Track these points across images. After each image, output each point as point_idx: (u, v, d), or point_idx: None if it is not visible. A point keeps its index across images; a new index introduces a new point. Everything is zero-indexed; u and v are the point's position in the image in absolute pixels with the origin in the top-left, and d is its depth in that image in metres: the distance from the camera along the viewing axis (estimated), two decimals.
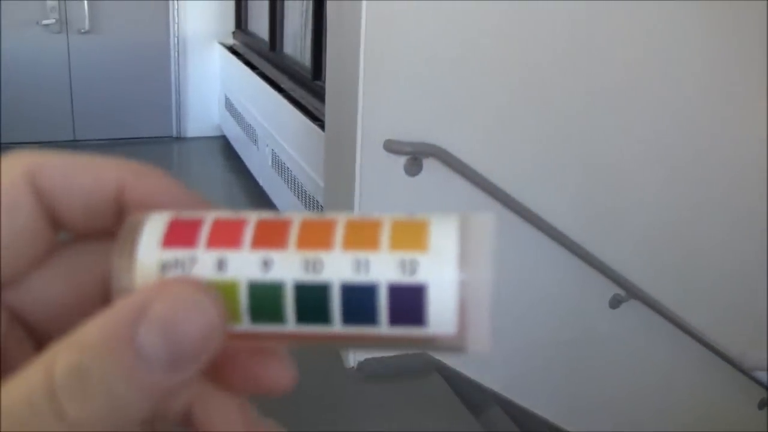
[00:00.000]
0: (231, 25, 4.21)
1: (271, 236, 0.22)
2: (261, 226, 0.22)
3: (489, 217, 0.23)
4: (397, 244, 0.21)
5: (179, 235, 0.22)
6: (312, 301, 0.21)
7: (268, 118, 3.27)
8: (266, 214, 0.23)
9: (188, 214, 0.23)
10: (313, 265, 0.21)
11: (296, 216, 0.23)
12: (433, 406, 2.07)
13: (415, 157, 1.88)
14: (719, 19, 2.23)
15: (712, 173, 2.32)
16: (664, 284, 2.26)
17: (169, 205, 0.24)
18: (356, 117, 1.84)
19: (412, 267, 0.21)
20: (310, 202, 2.79)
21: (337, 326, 0.22)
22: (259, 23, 3.74)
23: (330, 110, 2.13)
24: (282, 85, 3.13)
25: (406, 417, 1.98)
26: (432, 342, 0.22)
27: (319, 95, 2.62)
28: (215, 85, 4.28)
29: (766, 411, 2.67)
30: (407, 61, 1.84)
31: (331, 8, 2.05)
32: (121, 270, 0.22)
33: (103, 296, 0.25)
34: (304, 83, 2.91)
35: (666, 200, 2.27)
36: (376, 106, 1.85)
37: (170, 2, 4.11)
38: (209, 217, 0.23)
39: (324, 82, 2.68)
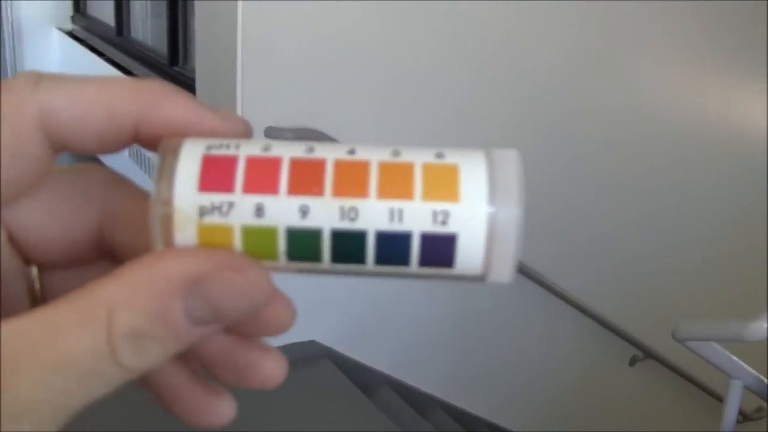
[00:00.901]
0: (68, 8, 3.96)
1: (306, 181, 0.22)
2: (295, 168, 0.23)
3: (513, 151, 0.24)
4: (429, 194, 0.22)
5: (215, 177, 0.23)
6: (347, 246, 0.23)
7: None
8: (296, 149, 0.23)
9: (220, 148, 0.23)
10: (349, 214, 0.22)
11: (328, 153, 0.23)
12: (326, 391, 2.05)
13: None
14: (719, 18, 2.32)
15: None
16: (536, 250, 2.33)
17: (193, 130, 0.24)
18: (235, 104, 1.77)
19: (444, 217, 0.22)
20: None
21: (369, 266, 0.23)
22: (101, 6, 3.54)
23: (202, 98, 2.04)
24: (134, 72, 2.98)
25: (300, 403, 1.96)
26: (456, 277, 0.23)
27: (179, 81, 2.50)
28: (54, 72, 4.02)
29: (637, 367, 2.82)
30: (287, 44, 1.78)
31: None
32: (160, 214, 0.23)
33: (97, 229, 0.27)
34: (160, 69, 2.78)
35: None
36: (255, 93, 1.78)
37: None
38: (242, 154, 0.23)
39: (181, 67, 2.58)
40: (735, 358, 1.69)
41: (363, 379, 2.16)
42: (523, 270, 2.27)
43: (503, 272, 0.23)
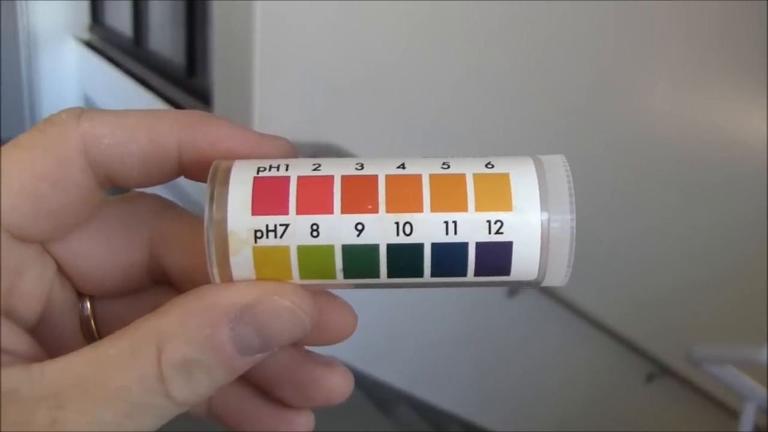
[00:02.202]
0: (85, 18, 3.97)
1: (360, 198, 0.23)
2: (348, 186, 0.23)
3: (560, 156, 0.24)
4: (482, 204, 0.23)
5: (268, 199, 0.23)
6: (404, 260, 0.23)
7: None
8: (346, 166, 0.23)
9: (270, 170, 0.23)
10: (404, 228, 0.22)
11: (379, 169, 0.23)
12: (342, 409, 2.03)
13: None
14: (717, 18, 2.32)
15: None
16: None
17: (238, 153, 0.25)
18: (252, 118, 1.77)
19: (498, 226, 0.23)
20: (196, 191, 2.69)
21: (426, 278, 0.23)
22: (119, 16, 3.54)
23: (220, 112, 2.03)
24: (151, 83, 2.98)
25: (316, 421, 1.95)
26: (512, 283, 0.24)
27: (196, 93, 2.50)
28: (71, 84, 4.03)
29: (653, 384, 2.80)
30: (304, 57, 1.77)
31: (218, 4, 1.95)
32: (215, 239, 0.23)
33: (149, 256, 0.27)
34: (178, 80, 2.78)
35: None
36: (272, 106, 1.78)
37: None
38: (293, 174, 0.23)
39: (200, 78, 2.58)
40: (750, 380, 1.68)
41: (379, 396, 2.15)
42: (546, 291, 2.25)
43: (558, 276, 0.24)
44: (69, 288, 0.27)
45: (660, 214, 2.58)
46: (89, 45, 3.82)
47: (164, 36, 3.05)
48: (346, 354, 1.87)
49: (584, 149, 2.27)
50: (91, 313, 0.28)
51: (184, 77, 2.71)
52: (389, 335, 2.17)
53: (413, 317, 2.20)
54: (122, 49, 3.42)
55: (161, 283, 0.28)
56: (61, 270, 0.26)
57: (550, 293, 2.28)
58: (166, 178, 0.25)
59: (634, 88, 2.36)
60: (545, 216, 0.23)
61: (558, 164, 0.24)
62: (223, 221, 0.23)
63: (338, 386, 0.27)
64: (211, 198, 0.23)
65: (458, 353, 2.36)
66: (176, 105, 2.68)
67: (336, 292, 0.27)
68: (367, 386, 2.12)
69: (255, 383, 0.28)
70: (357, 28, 1.81)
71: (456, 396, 2.42)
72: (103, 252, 0.27)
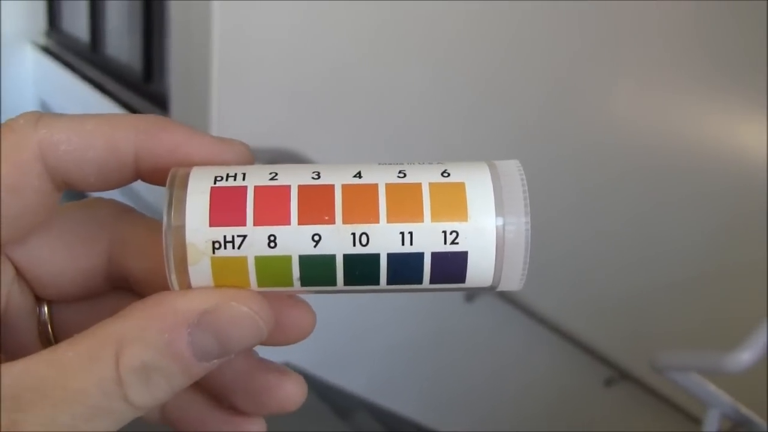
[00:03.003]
0: (42, 23, 3.92)
1: (317, 209, 0.23)
2: (304, 196, 0.23)
3: (515, 162, 0.24)
4: (438, 214, 0.23)
5: (225, 210, 0.23)
6: (361, 269, 0.23)
7: None
8: (302, 175, 0.23)
9: (228, 179, 0.23)
10: (360, 239, 0.23)
11: (335, 178, 0.23)
12: (301, 415, 2.02)
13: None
14: (717, 18, 2.34)
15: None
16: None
17: (196, 158, 0.25)
18: (209, 124, 1.75)
19: (453, 237, 0.23)
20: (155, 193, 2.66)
21: (383, 285, 0.23)
22: (76, 22, 3.51)
23: (177, 118, 2.01)
24: (108, 88, 2.95)
25: (275, 428, 1.93)
26: (467, 289, 0.24)
27: (153, 98, 2.48)
28: (28, 89, 3.98)
29: (613, 389, 2.82)
30: (263, 63, 1.76)
31: (176, 8, 1.93)
32: (173, 249, 0.23)
33: (108, 261, 0.27)
34: (135, 86, 2.75)
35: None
36: (230, 112, 1.76)
37: None
38: (250, 184, 0.23)
39: (157, 84, 2.55)
40: (713, 387, 1.69)
41: (338, 402, 2.14)
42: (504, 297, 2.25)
43: (513, 281, 0.24)
44: (27, 292, 0.27)
45: (621, 218, 2.60)
46: (46, 50, 3.78)
47: (121, 41, 3.02)
48: (305, 360, 1.86)
49: (546, 153, 2.28)
50: (49, 318, 0.28)
51: (141, 82, 2.69)
52: (348, 341, 2.16)
53: (372, 323, 2.19)
54: (79, 54, 3.39)
55: (120, 288, 0.28)
56: (20, 274, 0.27)
57: (509, 298, 2.28)
58: (123, 182, 0.25)
59: (594, 92, 2.38)
60: (500, 222, 0.23)
61: (513, 169, 0.24)
62: (181, 230, 0.23)
63: (292, 394, 0.27)
64: (169, 206, 0.23)
65: (417, 359, 2.35)
66: (133, 110, 2.65)
67: None
68: (326, 393, 2.11)
69: (209, 390, 0.28)
70: (317, 33, 1.81)
71: (415, 402, 2.41)
72: (62, 257, 0.27)
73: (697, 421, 2.45)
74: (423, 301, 2.21)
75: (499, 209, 0.23)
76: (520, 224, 0.23)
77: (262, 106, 1.79)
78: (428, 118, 2.03)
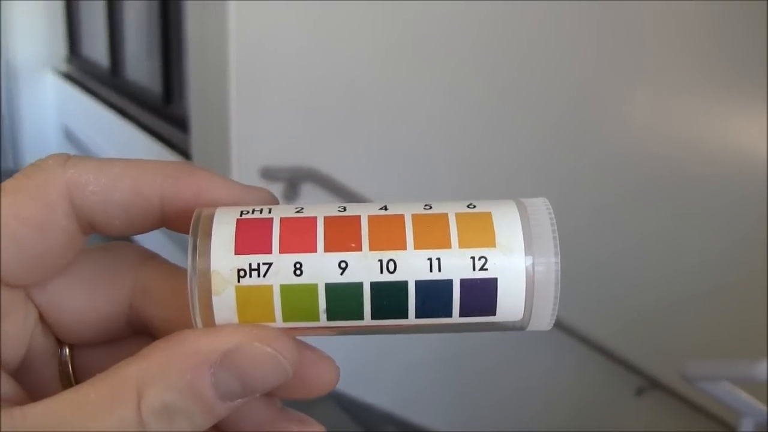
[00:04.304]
0: (63, 49, 3.97)
1: (343, 237, 0.23)
2: (331, 226, 0.23)
3: (543, 199, 0.24)
4: (465, 241, 0.23)
5: (251, 239, 0.23)
6: (388, 299, 0.22)
7: (117, 145, 3.10)
8: (329, 209, 0.23)
9: (253, 213, 0.23)
10: (388, 266, 0.22)
11: (362, 211, 0.23)
12: (327, 429, 2.03)
13: (293, 183, 1.82)
14: (704, 20, 2.33)
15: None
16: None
17: (220, 202, 0.25)
18: (229, 144, 1.76)
19: (482, 263, 0.22)
20: (180, 240, 2.68)
21: (411, 319, 0.23)
22: (96, 47, 3.55)
23: (197, 139, 2.03)
24: (129, 111, 2.98)
25: None
26: (497, 326, 0.24)
27: (174, 120, 2.50)
28: (51, 115, 4.03)
29: (644, 398, 2.79)
30: (281, 82, 1.77)
31: (192, 30, 1.95)
32: (197, 278, 0.23)
33: (129, 307, 0.27)
34: (155, 108, 2.77)
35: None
36: (249, 132, 1.77)
37: None
38: (275, 216, 0.23)
39: (177, 106, 2.57)
40: (746, 395, 1.66)
41: (365, 418, 2.14)
42: None
43: (544, 319, 0.24)
44: (50, 335, 0.27)
45: (649, 228, 2.57)
46: (67, 76, 3.82)
47: (140, 64, 3.05)
48: None
49: (571, 164, 2.26)
50: (71, 361, 0.28)
51: (161, 105, 2.71)
52: (375, 357, 2.16)
53: (398, 338, 2.18)
54: (99, 79, 3.42)
55: (142, 333, 0.28)
56: (42, 318, 0.26)
57: None
58: (148, 227, 0.26)
59: (618, 102, 2.36)
60: (530, 260, 0.23)
61: (540, 207, 0.24)
62: (206, 262, 0.23)
63: None
64: (194, 245, 0.23)
65: (444, 373, 2.34)
66: (154, 133, 2.67)
67: (317, 343, 0.27)
68: (351, 408, 2.11)
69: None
70: (332, 52, 1.81)
71: (442, 417, 2.40)
72: (83, 302, 0.27)
73: (731, 429, 2.42)
74: None
75: (528, 244, 0.23)
76: (550, 260, 0.23)
77: (280, 125, 1.80)
78: (445, 132, 2.03)
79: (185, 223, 0.24)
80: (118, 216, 0.25)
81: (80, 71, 3.76)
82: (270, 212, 0.24)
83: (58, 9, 3.87)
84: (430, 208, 0.24)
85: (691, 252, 2.71)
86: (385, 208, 0.24)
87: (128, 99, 3.03)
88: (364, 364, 2.15)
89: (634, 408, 2.82)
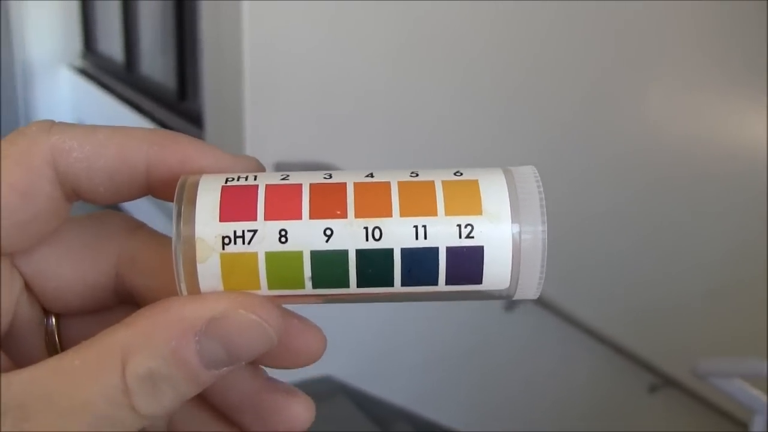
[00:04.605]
0: (78, 45, 3.99)
1: (329, 204, 0.22)
2: (316, 193, 0.23)
3: (531, 167, 0.24)
4: (452, 208, 0.22)
5: (236, 206, 0.23)
6: (374, 266, 0.22)
7: None
8: (315, 177, 0.23)
9: (238, 180, 0.23)
10: (374, 233, 0.22)
11: (348, 178, 0.23)
12: (342, 427, 2.03)
13: None
14: (717, 18, 2.32)
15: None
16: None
17: (207, 170, 0.24)
18: (243, 140, 1.77)
19: (468, 230, 0.22)
20: (168, 209, 2.68)
21: (397, 287, 0.23)
22: (111, 43, 3.56)
23: (211, 135, 2.04)
24: (143, 107, 2.99)
25: None
26: (483, 294, 0.24)
27: (188, 116, 2.51)
28: (66, 111, 4.05)
29: (656, 395, 2.78)
30: (295, 78, 1.77)
31: (207, 28, 1.96)
32: (181, 246, 0.22)
33: (115, 276, 0.27)
34: (170, 104, 2.78)
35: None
36: (263, 127, 1.78)
37: (12, 26, 3.84)
38: (261, 183, 0.23)
39: (191, 102, 2.58)
40: (757, 392, 1.66)
41: (377, 413, 2.14)
42: (537, 298, 2.24)
43: (530, 288, 0.24)
44: (36, 305, 0.27)
45: (662, 225, 2.57)
46: (82, 72, 3.84)
47: (156, 61, 3.06)
48: (344, 372, 1.87)
49: (583, 163, 2.26)
50: (57, 331, 0.28)
51: (176, 101, 2.72)
52: (387, 352, 2.16)
53: (410, 334, 2.19)
54: (114, 74, 3.44)
55: (127, 302, 0.28)
56: (28, 287, 0.26)
57: (548, 306, 2.27)
58: (134, 195, 0.25)
59: (629, 97, 2.36)
60: (516, 228, 0.23)
61: (528, 175, 0.24)
62: (191, 230, 0.22)
63: (299, 415, 0.27)
64: (179, 212, 0.23)
65: (456, 369, 2.34)
66: (168, 128, 2.66)
67: (306, 312, 0.27)
68: (364, 403, 2.11)
69: (216, 407, 0.28)
70: (347, 50, 1.82)
71: (455, 412, 2.40)
72: (69, 270, 0.26)
73: (742, 424, 2.42)
74: (462, 310, 2.21)
75: (515, 212, 0.23)
76: (537, 228, 0.23)
77: (294, 121, 1.81)
78: (457, 130, 2.03)
79: (171, 191, 0.24)
80: (103, 183, 0.24)
81: (95, 67, 3.77)
82: (255, 179, 0.23)
83: (74, 5, 3.89)
84: (417, 175, 0.23)
85: (704, 249, 2.70)
86: (372, 176, 0.24)
87: (143, 95, 3.05)
88: (377, 360, 2.15)
89: (647, 405, 2.82)
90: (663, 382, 2.72)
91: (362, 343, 2.09)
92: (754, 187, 2.71)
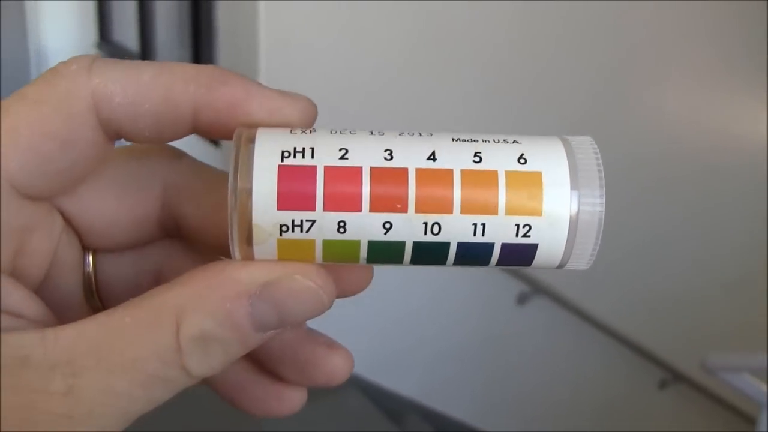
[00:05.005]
0: (93, 35, 3.99)
1: (389, 197, 0.22)
2: (377, 180, 0.22)
3: (588, 138, 0.24)
4: (512, 207, 0.22)
5: (293, 193, 0.22)
6: (429, 255, 0.23)
7: None
8: (375, 155, 0.23)
9: (295, 156, 0.22)
10: (432, 228, 0.22)
11: (409, 160, 0.23)
12: (354, 419, 2.04)
13: None
14: (717, 17, 2.31)
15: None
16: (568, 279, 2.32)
17: (256, 112, 0.24)
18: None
19: (526, 230, 0.23)
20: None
21: (448, 265, 0.24)
22: (126, 33, 3.57)
23: None
24: None
25: (328, 426, 1.95)
26: (531, 267, 0.24)
27: None
28: None
29: (667, 390, 2.78)
30: (308, 78, 1.78)
31: (223, 21, 1.96)
32: (237, 225, 0.22)
33: (160, 208, 0.27)
34: None
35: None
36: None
37: (27, 15, 3.85)
38: (319, 163, 0.22)
39: None
40: (765, 387, 1.66)
41: (390, 406, 2.15)
42: (549, 292, 2.25)
43: (582, 262, 0.24)
44: (74, 244, 0.26)
45: (673, 220, 2.57)
46: None
47: (171, 52, 3.07)
48: (358, 365, 1.87)
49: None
50: (93, 269, 0.27)
51: None
52: (400, 345, 2.17)
53: (424, 327, 2.20)
54: None
55: (172, 235, 0.28)
56: (68, 224, 0.26)
57: (561, 301, 2.28)
58: (178, 136, 0.25)
59: (643, 93, 2.35)
60: (575, 208, 0.23)
61: (587, 146, 0.24)
62: (247, 198, 0.22)
63: (338, 368, 0.27)
64: (235, 171, 0.22)
65: (469, 362, 2.35)
66: None
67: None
68: (377, 396, 2.12)
69: (254, 356, 0.27)
70: (361, 48, 1.82)
71: (467, 405, 2.41)
72: (114, 205, 0.26)
73: (751, 420, 2.42)
74: (476, 305, 2.22)
75: (574, 192, 0.23)
76: (594, 206, 0.23)
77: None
78: (470, 129, 2.02)
79: (218, 132, 0.24)
80: (148, 126, 0.23)
81: (110, 57, 3.76)
82: (313, 156, 0.23)
83: None
84: (480, 160, 0.23)
85: (716, 244, 2.70)
86: (434, 157, 0.23)
87: None
88: (391, 353, 2.16)
89: (658, 400, 2.82)
90: (673, 377, 2.72)
91: (376, 336, 2.10)
92: (764, 182, 2.71)
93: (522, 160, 0.23)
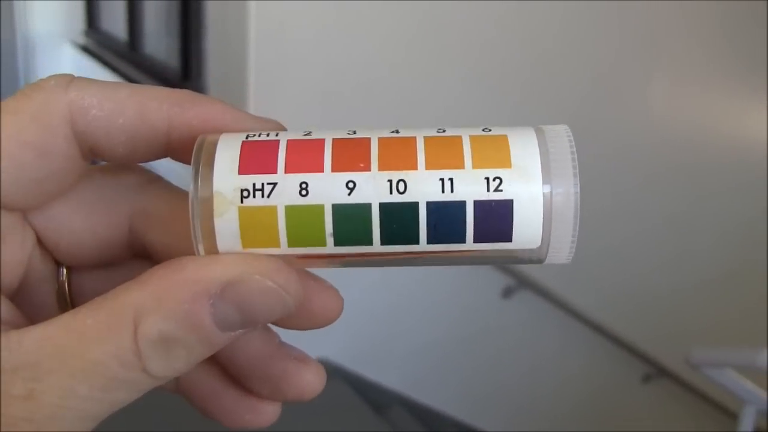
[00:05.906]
0: (81, 23, 3.97)
1: (352, 157, 0.22)
2: (339, 147, 0.22)
3: (563, 126, 0.23)
4: (479, 161, 0.22)
5: (255, 159, 0.22)
6: (398, 221, 0.21)
7: None
8: (338, 132, 0.23)
9: (259, 136, 0.23)
10: (398, 186, 0.21)
11: (372, 133, 0.22)
12: (337, 410, 2.05)
13: None
14: (717, 17, 2.32)
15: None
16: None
17: (228, 132, 0.24)
18: None
19: (496, 183, 0.21)
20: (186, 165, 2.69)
21: (422, 245, 0.22)
22: (114, 21, 3.55)
23: None
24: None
25: (311, 422, 1.95)
26: (513, 255, 0.22)
27: None
28: None
29: (650, 385, 2.80)
30: (299, 64, 1.77)
31: (213, 9, 1.95)
32: (199, 203, 0.22)
33: (129, 230, 0.26)
34: (172, 84, 2.77)
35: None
36: (267, 112, 1.76)
37: (15, 2, 3.82)
38: (282, 138, 0.22)
39: (194, 82, 2.58)
40: (749, 384, 1.68)
41: (374, 398, 2.15)
42: (533, 286, 2.26)
43: (563, 251, 0.23)
44: (48, 259, 0.27)
45: (658, 215, 2.58)
46: (85, 49, 3.82)
47: (159, 40, 3.05)
48: (342, 356, 1.88)
49: (582, 151, 2.26)
50: (68, 285, 0.27)
51: (179, 81, 2.71)
52: (384, 337, 2.17)
53: (408, 319, 2.20)
54: (117, 53, 3.42)
55: (140, 256, 0.28)
56: (40, 240, 0.26)
57: (545, 294, 2.28)
58: (152, 156, 0.25)
59: (631, 90, 2.36)
60: (548, 187, 0.22)
61: (561, 133, 0.23)
62: (209, 187, 0.22)
63: (310, 383, 0.27)
64: (197, 169, 0.22)
65: (453, 355, 2.36)
66: None
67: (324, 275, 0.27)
68: (361, 388, 2.12)
69: (227, 369, 0.27)
70: (353, 34, 1.81)
71: (451, 398, 2.42)
72: (82, 224, 0.26)
73: (733, 416, 2.43)
74: (461, 298, 2.22)
75: (546, 170, 0.22)
76: (569, 188, 0.22)
77: (297, 107, 1.81)
78: (462, 122, 2.03)
79: (191, 153, 0.23)
80: (122, 142, 0.24)
81: (98, 45, 3.76)
82: (277, 135, 0.23)
83: None
84: (444, 131, 0.23)
85: (699, 240, 2.71)
86: (397, 132, 0.23)
87: (146, 74, 3.04)
88: (375, 344, 2.17)
89: (641, 395, 2.84)
90: (656, 372, 2.74)
91: (360, 327, 2.10)
92: (751, 179, 2.72)
93: (486, 130, 0.23)
